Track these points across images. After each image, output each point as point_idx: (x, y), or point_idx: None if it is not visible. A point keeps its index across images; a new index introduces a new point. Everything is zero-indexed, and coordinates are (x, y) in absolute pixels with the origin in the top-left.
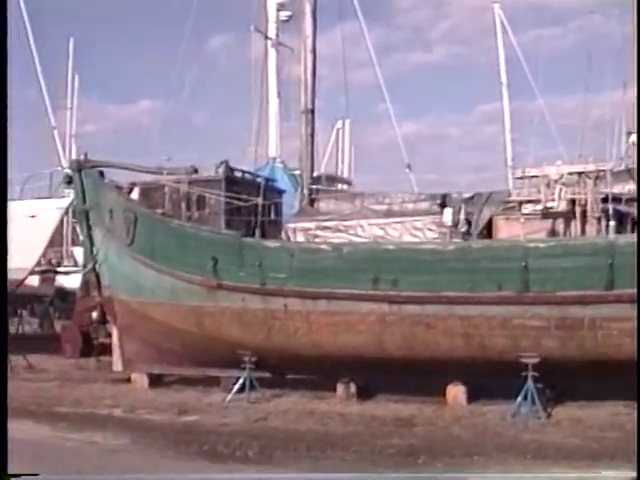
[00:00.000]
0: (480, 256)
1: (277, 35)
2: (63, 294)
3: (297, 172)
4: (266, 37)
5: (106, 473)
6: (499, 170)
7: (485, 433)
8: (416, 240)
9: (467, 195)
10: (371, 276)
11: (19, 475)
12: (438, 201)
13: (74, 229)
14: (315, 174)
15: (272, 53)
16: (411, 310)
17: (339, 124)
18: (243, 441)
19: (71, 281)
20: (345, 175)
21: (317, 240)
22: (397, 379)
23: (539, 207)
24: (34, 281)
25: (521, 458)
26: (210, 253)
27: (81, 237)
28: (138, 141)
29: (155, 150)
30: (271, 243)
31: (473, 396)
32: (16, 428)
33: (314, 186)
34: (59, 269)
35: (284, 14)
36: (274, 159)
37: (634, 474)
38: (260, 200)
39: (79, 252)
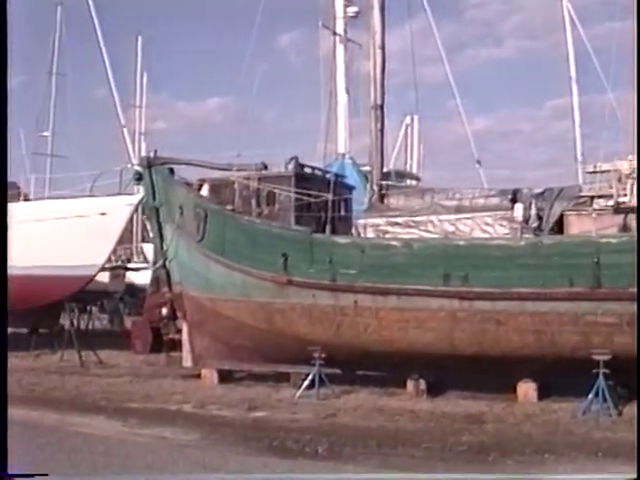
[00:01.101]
0: (551, 252)
1: (345, 31)
2: (133, 290)
3: (366, 168)
4: (334, 33)
5: (176, 469)
6: (569, 166)
7: (556, 431)
8: (487, 236)
9: (538, 190)
10: (441, 272)
11: (19, 475)
12: (509, 197)
13: (144, 226)
14: (384, 170)
15: (340, 49)
16: (482, 306)
17: (407, 120)
18: (313, 437)
19: (141, 277)
20: (414, 171)
21: (387, 236)
22: (467, 375)
23: (610, 202)
24: (104, 277)
25: (592, 456)
26: (280, 249)
27: (151, 234)
28: (208, 138)
29: (225, 147)
30: (341, 239)
31: (544, 393)
32: (87, 423)
33: (384, 182)
34: (129, 266)
35: (352, 10)
36: (343, 155)
37: (634, 475)
38: (330, 196)
39: (149, 249)
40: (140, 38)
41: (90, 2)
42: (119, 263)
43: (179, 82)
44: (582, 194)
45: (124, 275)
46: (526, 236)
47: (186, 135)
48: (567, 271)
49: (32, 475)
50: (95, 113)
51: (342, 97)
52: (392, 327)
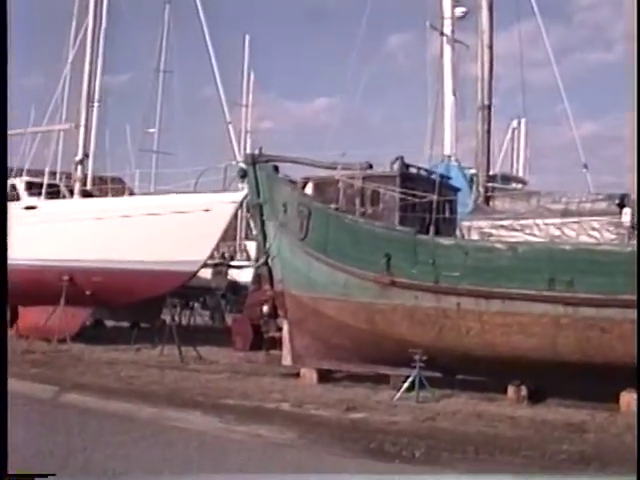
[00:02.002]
0: None
1: (453, 32)
2: (235, 287)
3: (471, 171)
4: (441, 34)
5: (270, 468)
6: None
7: None
8: (593, 241)
9: None
10: (546, 276)
11: (19, 476)
12: (616, 201)
13: (247, 223)
14: (490, 173)
15: (447, 50)
16: (586, 313)
17: (514, 123)
18: (410, 441)
19: (243, 275)
20: (520, 175)
21: (492, 239)
22: (569, 383)
23: None
24: (207, 274)
25: None
26: (384, 249)
27: (254, 231)
28: (314, 138)
29: (331, 147)
30: (445, 241)
31: None
32: (183, 418)
33: (490, 184)
34: (232, 263)
35: (460, 10)
36: (449, 157)
37: (634, 478)
38: (435, 197)
39: (252, 246)
40: (247, 37)
41: (198, 1)
42: (222, 260)
43: (287, 82)
44: None
45: (226, 272)
46: (633, 242)
47: (293, 135)
48: None
49: (19, 475)
50: (201, 111)
51: (449, 98)
52: (495, 331)
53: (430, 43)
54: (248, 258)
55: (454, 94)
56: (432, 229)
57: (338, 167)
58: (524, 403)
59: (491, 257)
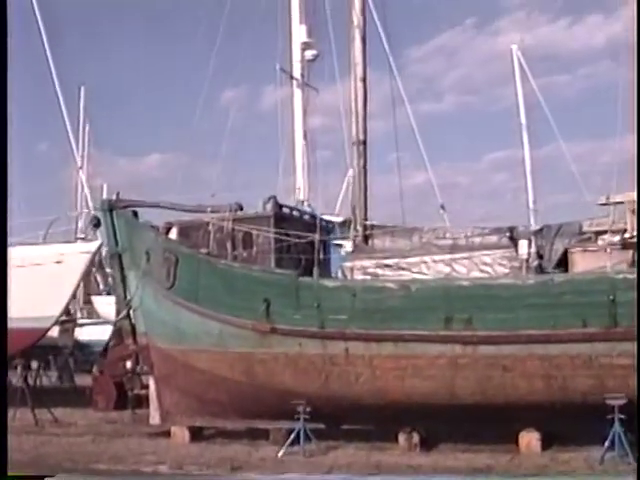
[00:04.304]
0: (563, 290)
1: (302, 75)
2: (82, 346)
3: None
4: (291, 77)
5: None
6: (510, 218)
7: None
8: (486, 276)
9: (535, 227)
10: (442, 315)
11: (19, 477)
12: (507, 234)
13: (89, 279)
14: (341, 219)
15: (298, 94)
16: (486, 351)
17: (350, 173)
18: None
19: (87, 332)
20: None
21: (381, 278)
22: (460, 427)
23: (617, 238)
24: (53, 332)
25: None
26: (262, 295)
27: (101, 286)
28: (148, 195)
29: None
30: (330, 282)
31: (546, 443)
32: None
33: (368, 222)
34: (80, 320)
35: (310, 53)
36: (302, 202)
37: (634, 478)
38: (317, 236)
39: (99, 301)
40: (83, 88)
41: (48, 54)
42: (69, 317)
43: (120, 138)
44: (585, 230)
45: (73, 330)
46: (532, 275)
47: (125, 191)
48: (580, 310)
49: (19, 476)
50: (37, 166)
51: (299, 142)
52: (387, 376)
53: (279, 88)
54: (90, 315)
55: (305, 138)
56: (315, 271)
57: (207, 209)
58: (417, 450)
59: (382, 297)
